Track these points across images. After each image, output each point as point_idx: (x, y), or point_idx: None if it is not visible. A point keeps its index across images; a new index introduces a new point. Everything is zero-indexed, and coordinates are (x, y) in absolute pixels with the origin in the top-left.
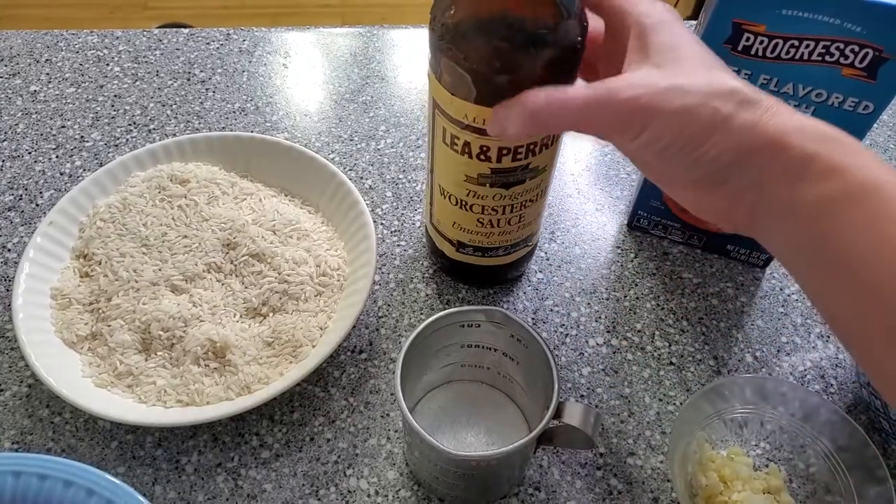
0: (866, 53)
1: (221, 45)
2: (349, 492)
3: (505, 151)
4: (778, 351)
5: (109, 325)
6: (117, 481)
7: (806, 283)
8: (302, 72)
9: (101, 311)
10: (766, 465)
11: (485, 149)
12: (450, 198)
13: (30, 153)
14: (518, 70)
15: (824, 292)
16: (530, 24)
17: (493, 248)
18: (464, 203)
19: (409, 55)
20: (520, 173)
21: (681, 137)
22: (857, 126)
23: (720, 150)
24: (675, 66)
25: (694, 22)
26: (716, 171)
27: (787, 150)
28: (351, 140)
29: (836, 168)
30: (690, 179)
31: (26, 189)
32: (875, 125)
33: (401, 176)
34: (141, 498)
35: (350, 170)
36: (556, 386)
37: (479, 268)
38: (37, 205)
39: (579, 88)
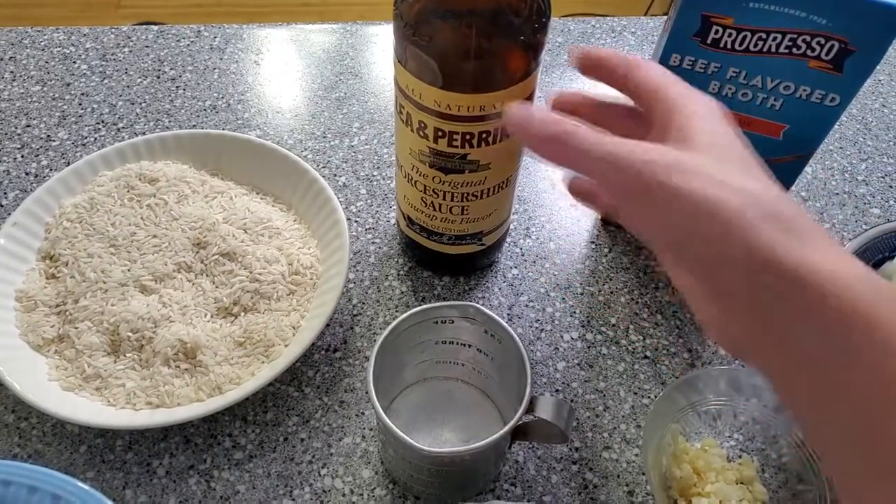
0: (832, 46)
1: (192, 42)
2: (324, 491)
3: (440, 133)
4: None
5: (77, 328)
6: (84, 486)
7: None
8: (274, 69)
9: (68, 313)
10: (740, 456)
11: (422, 124)
12: (401, 168)
13: None
14: (476, 51)
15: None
16: (493, 10)
17: (437, 233)
18: (410, 177)
19: (382, 52)
20: (457, 162)
21: (686, 226)
22: (825, 118)
23: (734, 258)
24: (708, 151)
25: (665, 17)
26: (731, 286)
27: (818, 291)
28: (324, 137)
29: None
30: (707, 286)
31: None
32: (844, 118)
33: (375, 173)
34: (109, 502)
35: (323, 167)
36: (529, 380)
37: (429, 251)
38: (1, 206)
39: (604, 133)
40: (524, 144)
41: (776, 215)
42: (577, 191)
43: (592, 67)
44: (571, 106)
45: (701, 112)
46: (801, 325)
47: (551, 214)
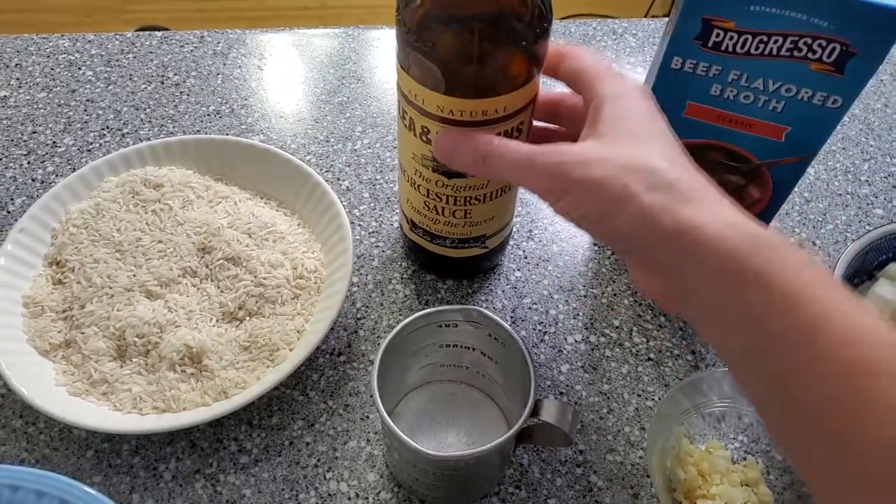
0: (834, 48)
1: (196, 47)
2: (329, 495)
3: None
4: None
5: (83, 333)
6: (92, 491)
7: (745, 391)
8: (277, 74)
9: (74, 318)
10: (744, 458)
11: (425, 129)
12: (404, 172)
13: (0, 160)
14: (478, 56)
15: (764, 406)
16: (495, 16)
17: (440, 237)
18: (413, 181)
19: (384, 55)
20: None
21: (594, 209)
22: (827, 120)
23: (630, 229)
24: (612, 137)
25: (666, 19)
26: (634, 250)
27: (700, 245)
28: (327, 141)
29: (761, 274)
30: (619, 251)
31: None
32: (847, 119)
33: (378, 177)
34: None
35: (326, 171)
36: (534, 383)
37: (432, 254)
38: (8, 212)
39: (524, 145)
40: (456, 169)
41: (664, 185)
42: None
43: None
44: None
45: (613, 94)
46: (690, 275)
47: (554, 217)
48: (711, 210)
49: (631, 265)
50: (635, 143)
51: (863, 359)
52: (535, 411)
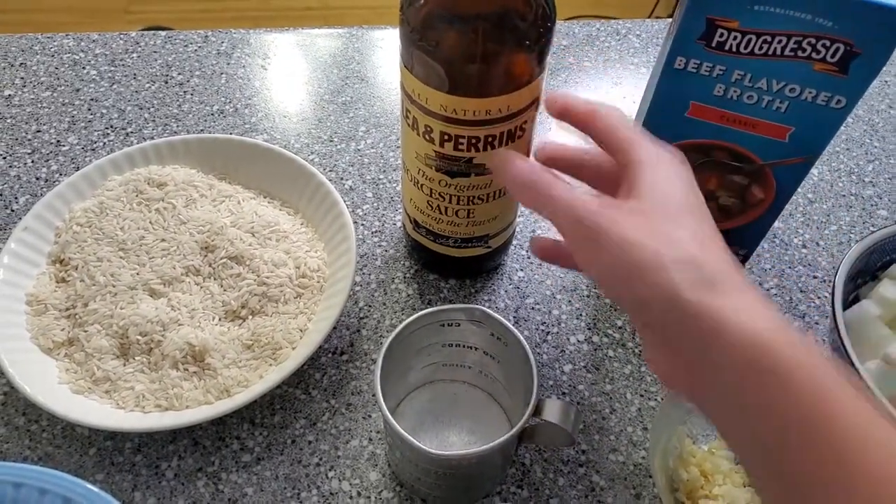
0: (837, 48)
1: (199, 47)
2: (331, 494)
3: (446, 137)
4: None
5: (86, 331)
6: (94, 488)
7: (755, 482)
8: (281, 73)
9: (77, 316)
10: None
11: (428, 129)
12: (407, 172)
13: (4, 158)
14: (482, 56)
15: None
16: (498, 15)
17: (443, 236)
18: (416, 180)
19: (388, 56)
20: (463, 165)
21: (621, 269)
22: (831, 120)
23: (652, 298)
24: (650, 205)
25: (670, 20)
26: (652, 322)
27: (724, 330)
28: (330, 141)
29: (787, 368)
30: (636, 320)
31: (1, 194)
32: (851, 120)
33: (381, 176)
34: None
35: (330, 171)
36: (536, 383)
37: (435, 254)
38: (12, 210)
39: (565, 186)
40: (504, 186)
41: (694, 263)
42: (539, 249)
43: (560, 113)
44: (554, 156)
45: (649, 161)
46: (711, 360)
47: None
48: (740, 297)
49: (646, 340)
50: (671, 215)
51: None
52: (538, 411)
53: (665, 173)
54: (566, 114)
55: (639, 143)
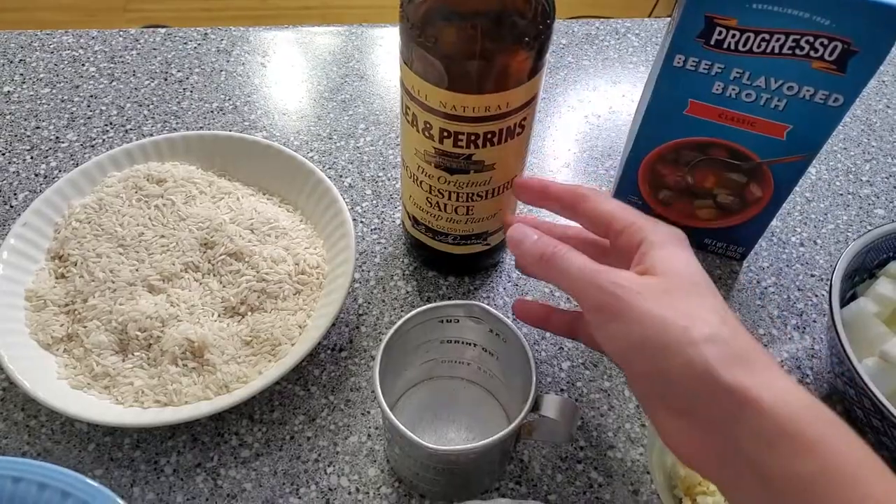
0: (835, 46)
1: (199, 44)
2: (330, 490)
3: (445, 134)
4: None
5: (86, 327)
6: (94, 483)
7: None
8: (280, 71)
9: (77, 312)
10: None
11: (428, 125)
12: (407, 168)
13: (3, 154)
14: (481, 52)
15: None
16: (498, 12)
17: (442, 233)
18: (415, 177)
19: (387, 53)
20: (462, 162)
21: (647, 344)
22: (828, 118)
23: (681, 374)
24: (670, 283)
25: (669, 19)
26: (675, 396)
27: (756, 406)
28: (330, 138)
29: (819, 445)
30: (655, 396)
31: (0, 191)
32: (848, 119)
33: (380, 174)
34: (118, 499)
35: (329, 168)
36: (535, 378)
37: (434, 251)
38: (11, 206)
39: (589, 259)
40: (518, 259)
41: (722, 340)
42: (522, 313)
43: (538, 198)
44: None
45: (661, 242)
46: (741, 435)
47: (555, 216)
48: (769, 373)
49: (666, 417)
50: (692, 292)
51: None
52: (536, 407)
53: (677, 253)
54: (545, 197)
55: (650, 226)
